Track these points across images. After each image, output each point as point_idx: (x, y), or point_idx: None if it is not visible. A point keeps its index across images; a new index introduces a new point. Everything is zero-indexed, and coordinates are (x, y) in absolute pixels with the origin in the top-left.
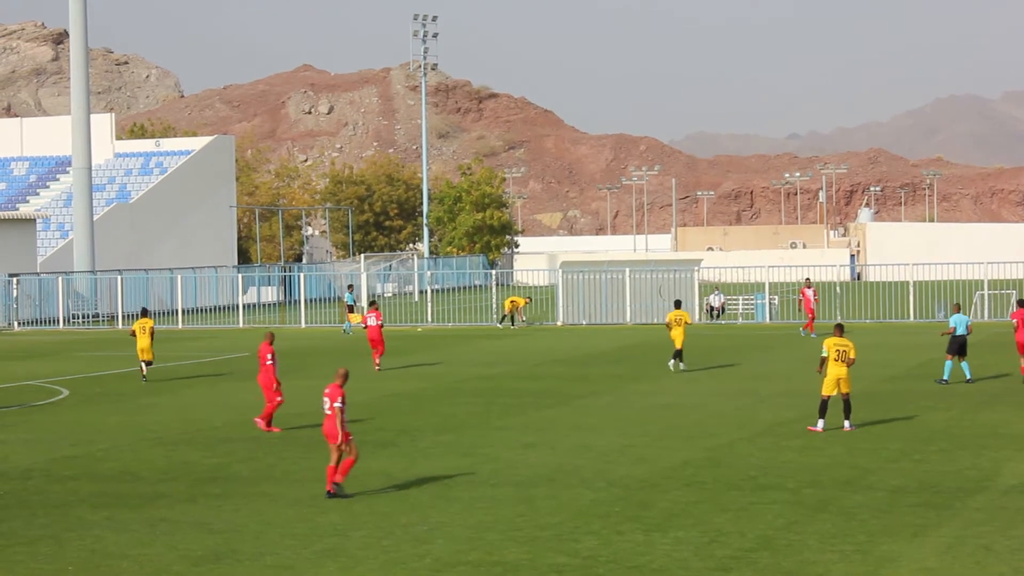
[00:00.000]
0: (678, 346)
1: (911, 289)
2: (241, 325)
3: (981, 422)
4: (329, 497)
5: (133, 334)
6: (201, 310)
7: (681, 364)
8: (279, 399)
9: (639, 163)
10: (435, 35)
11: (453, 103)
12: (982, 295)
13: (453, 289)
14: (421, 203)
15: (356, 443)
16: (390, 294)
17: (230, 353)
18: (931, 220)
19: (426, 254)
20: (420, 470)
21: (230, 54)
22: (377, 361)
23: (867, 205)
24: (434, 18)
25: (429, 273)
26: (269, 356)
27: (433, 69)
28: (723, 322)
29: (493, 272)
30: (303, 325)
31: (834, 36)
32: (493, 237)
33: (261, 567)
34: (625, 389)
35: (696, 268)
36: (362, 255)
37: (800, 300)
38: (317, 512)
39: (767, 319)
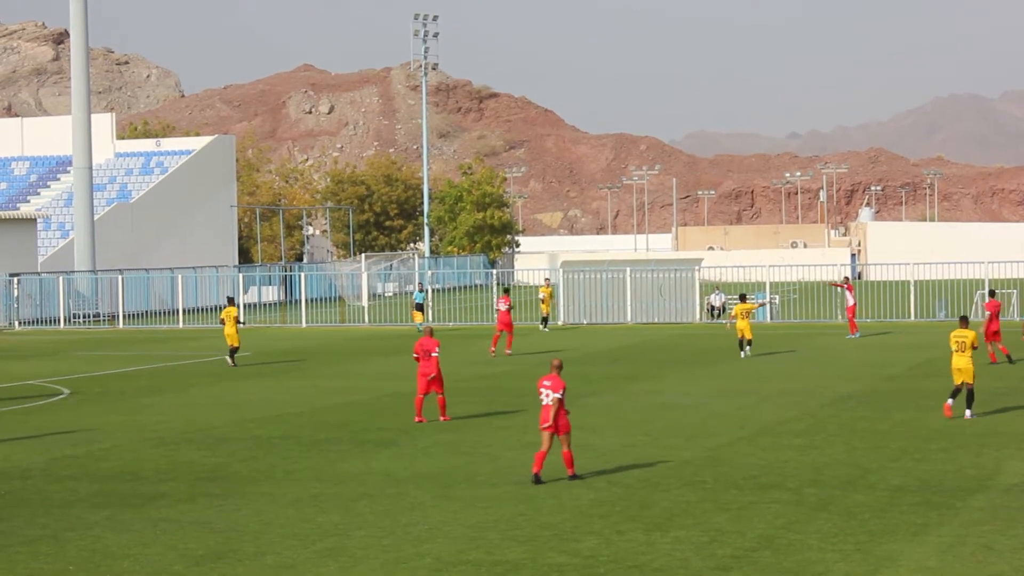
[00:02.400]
0: (747, 336)
1: (912, 289)
2: (242, 325)
3: (982, 421)
4: (535, 482)
5: (222, 322)
6: (202, 310)
7: (746, 350)
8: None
9: (639, 163)
10: (436, 35)
11: (454, 103)
12: (983, 294)
13: (454, 289)
14: (421, 203)
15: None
16: (391, 294)
17: None
18: (932, 219)
19: (427, 254)
20: (421, 469)
21: (230, 54)
22: (507, 345)
23: (868, 204)
24: (435, 18)
25: (430, 272)
26: (437, 348)
27: (434, 69)
28: (724, 321)
29: (494, 272)
30: (304, 325)
31: (835, 35)
32: (494, 237)
33: (262, 566)
34: (626, 389)
35: (697, 268)
36: (363, 255)
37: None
38: (318, 511)
39: (768, 319)
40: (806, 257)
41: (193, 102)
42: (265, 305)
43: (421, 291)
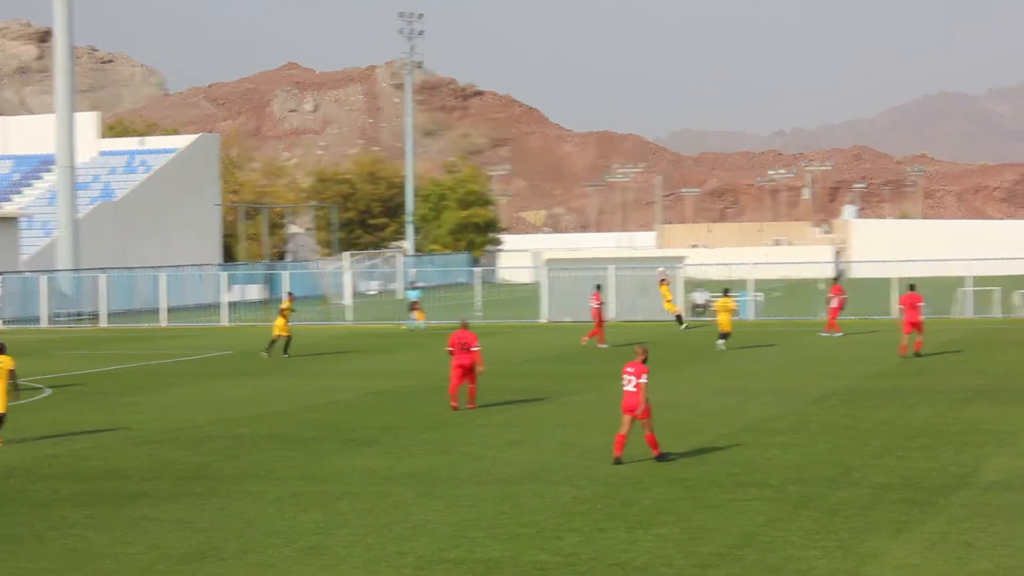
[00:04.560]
0: (724, 330)
1: (895, 286)
2: (225, 323)
3: (964, 418)
4: (616, 463)
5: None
6: (185, 308)
7: (720, 343)
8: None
9: (624, 161)
10: (420, 33)
11: (438, 101)
12: (965, 291)
13: (438, 287)
14: (405, 201)
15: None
16: (375, 292)
17: (214, 351)
18: (916, 217)
19: (410, 252)
20: (403, 468)
21: (215, 52)
22: (600, 340)
23: (852, 202)
24: (420, 16)
25: (414, 271)
26: (476, 343)
27: (418, 67)
28: (708, 319)
29: (478, 270)
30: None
31: (819, 32)
32: (477, 235)
33: (244, 565)
34: (609, 387)
35: (680, 265)
36: (346, 253)
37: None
38: (300, 510)
39: (752, 316)
40: (790, 255)
41: (177, 100)
42: (248, 304)
43: (415, 288)
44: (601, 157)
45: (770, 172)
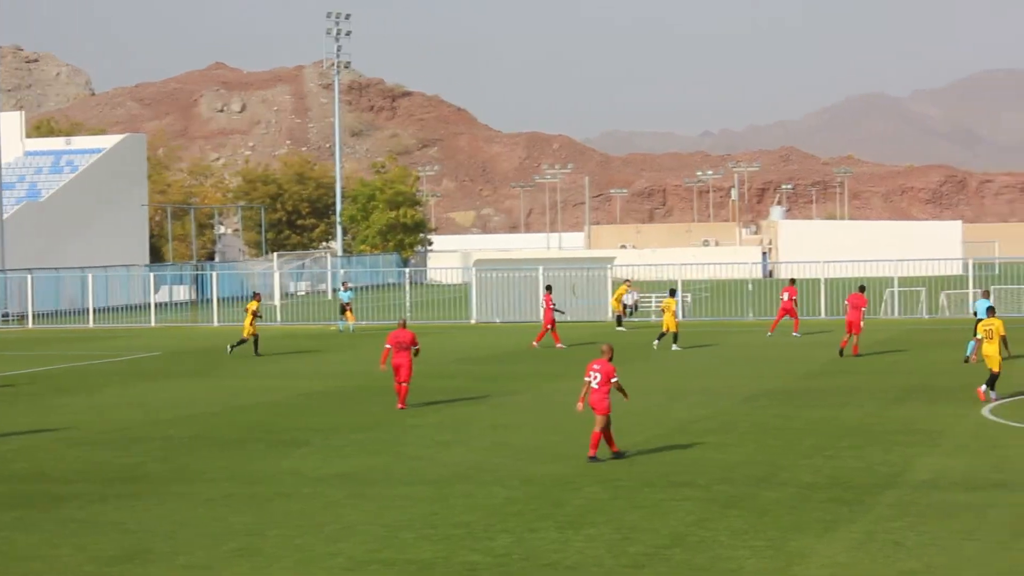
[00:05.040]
0: (665, 329)
1: (822, 286)
2: (153, 324)
3: (892, 418)
4: (591, 461)
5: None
6: (113, 309)
7: (655, 342)
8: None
9: (552, 161)
10: (348, 33)
11: (366, 101)
12: (892, 292)
13: (367, 287)
14: (334, 201)
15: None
16: (303, 293)
17: (142, 352)
18: (842, 218)
19: (339, 252)
20: (334, 469)
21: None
22: (555, 340)
23: (779, 203)
24: (347, 16)
25: (343, 271)
26: (414, 341)
27: (346, 67)
28: (637, 320)
29: (407, 271)
30: (216, 324)
31: (747, 34)
32: (406, 235)
33: (174, 567)
34: (540, 387)
35: (609, 266)
36: (275, 254)
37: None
38: (231, 511)
39: (680, 317)
40: (718, 255)
41: (103, 100)
42: (176, 304)
43: (347, 290)
44: (530, 158)
45: (698, 173)
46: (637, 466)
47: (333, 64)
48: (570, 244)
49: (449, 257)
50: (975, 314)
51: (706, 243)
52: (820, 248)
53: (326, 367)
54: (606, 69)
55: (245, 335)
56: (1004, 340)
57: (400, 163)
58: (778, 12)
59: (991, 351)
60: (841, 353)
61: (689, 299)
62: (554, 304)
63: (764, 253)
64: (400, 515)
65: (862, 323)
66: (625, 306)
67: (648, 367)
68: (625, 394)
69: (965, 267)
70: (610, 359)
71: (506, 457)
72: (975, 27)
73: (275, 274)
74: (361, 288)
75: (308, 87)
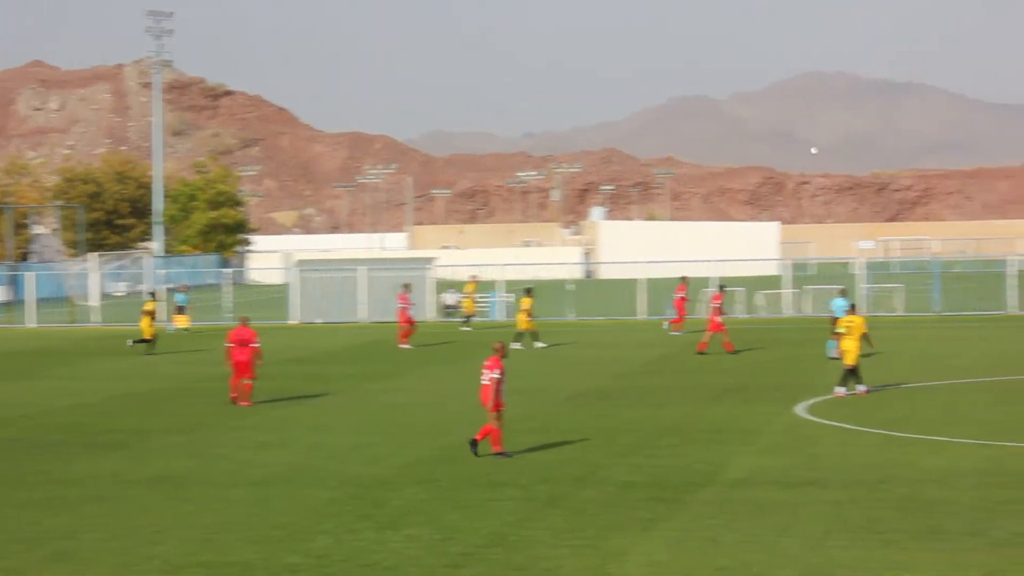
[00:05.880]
0: (523, 328)
1: (642, 287)
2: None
3: (710, 417)
4: (499, 456)
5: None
6: None
7: (517, 344)
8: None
9: (375, 161)
10: (169, 31)
11: (187, 100)
12: (710, 292)
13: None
14: (154, 201)
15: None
16: (122, 293)
17: None
18: (663, 219)
19: (159, 252)
20: (152, 471)
21: None
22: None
23: (600, 204)
24: (169, 14)
25: (163, 272)
26: (256, 339)
27: (167, 66)
28: (458, 320)
29: (227, 271)
30: (32, 325)
31: (565, 35)
32: (227, 236)
33: None
34: (360, 388)
35: (430, 266)
36: (93, 254)
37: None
38: (46, 515)
39: (501, 317)
40: (539, 256)
41: None
42: None
43: (183, 292)
44: (352, 158)
45: (520, 174)
46: (457, 465)
47: (153, 63)
48: (392, 245)
49: (270, 257)
50: (832, 313)
51: (528, 244)
52: (640, 249)
53: (144, 368)
54: (428, 69)
55: (147, 336)
56: (866, 336)
57: (221, 163)
58: (600, 14)
59: (850, 346)
60: (703, 352)
61: (512, 299)
62: (411, 304)
63: (585, 254)
64: (219, 517)
65: (718, 319)
66: (447, 306)
67: (469, 367)
68: (499, 398)
69: (782, 268)
70: (502, 357)
71: (325, 458)
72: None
73: (93, 275)
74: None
75: (128, 86)
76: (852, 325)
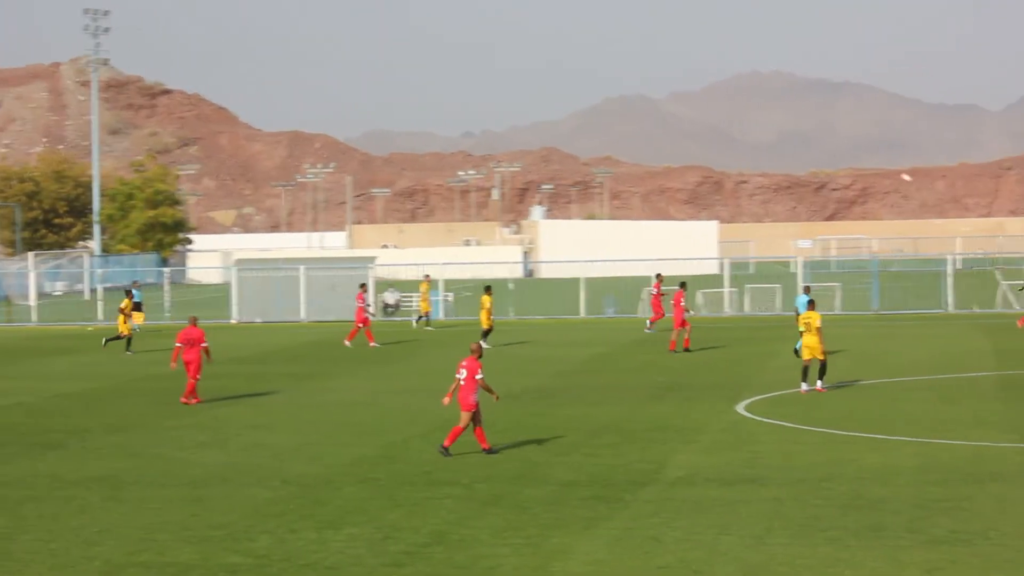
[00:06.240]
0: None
1: (582, 286)
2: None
3: (649, 415)
4: (441, 452)
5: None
6: None
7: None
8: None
9: (314, 160)
10: (107, 30)
11: (125, 99)
12: (650, 291)
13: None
14: (92, 200)
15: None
16: (60, 292)
17: None
18: (602, 218)
19: (97, 252)
20: (90, 471)
21: None
22: (368, 339)
23: (540, 203)
24: (106, 13)
25: (100, 272)
26: (204, 339)
27: (104, 64)
28: (399, 319)
29: (166, 270)
30: None
31: (506, 35)
32: (166, 235)
33: None
34: (300, 387)
35: (370, 265)
36: (31, 253)
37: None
38: None
39: (442, 316)
40: (479, 255)
41: None
42: None
43: (138, 288)
44: (291, 157)
45: (460, 173)
46: (397, 464)
47: (91, 61)
48: (332, 244)
49: (210, 257)
50: (796, 310)
51: (468, 243)
52: (580, 247)
53: (82, 368)
54: (368, 68)
55: (122, 332)
56: (819, 332)
57: (160, 162)
58: (539, 13)
59: (810, 342)
60: (675, 351)
61: (451, 298)
62: (367, 303)
63: (525, 253)
64: (158, 517)
65: (683, 316)
66: (386, 305)
67: (408, 366)
68: (492, 392)
69: (721, 266)
70: (478, 357)
71: (265, 457)
72: (732, 31)
73: (30, 274)
74: (120, 288)
75: (65, 84)
76: (810, 321)
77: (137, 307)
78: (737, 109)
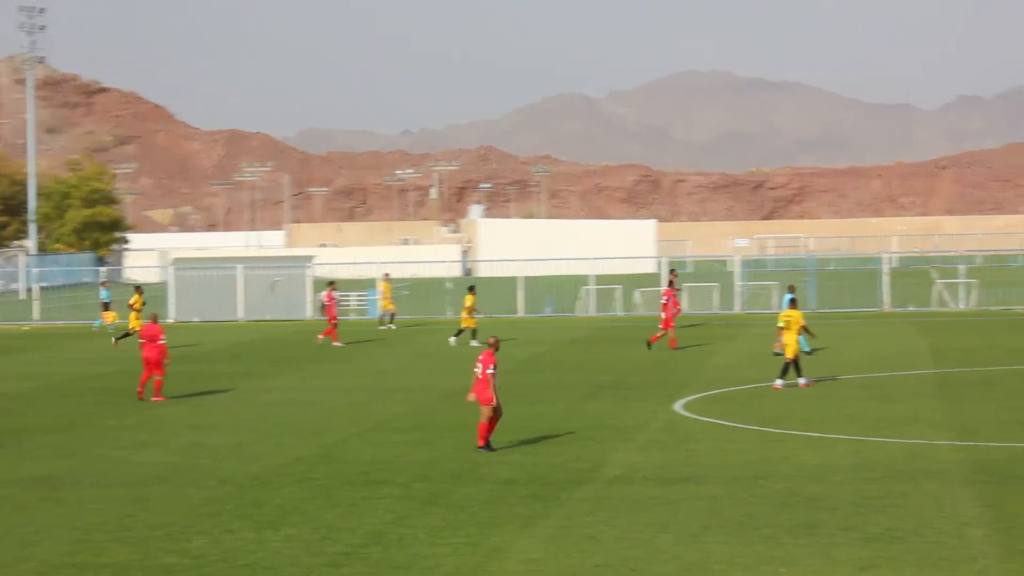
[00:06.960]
0: (466, 327)
1: (520, 285)
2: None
3: (587, 414)
4: (480, 451)
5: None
6: None
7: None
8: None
9: (252, 159)
10: (43, 27)
11: (61, 97)
12: (588, 290)
13: (62, 287)
14: (27, 199)
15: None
16: None
17: None
18: (541, 216)
19: (33, 251)
20: (27, 471)
21: None
22: (334, 338)
23: (478, 202)
24: (41, 10)
25: (36, 271)
26: (163, 335)
27: (40, 62)
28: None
29: (103, 269)
30: None
31: (442, 31)
32: (103, 234)
33: None
34: (238, 387)
35: (309, 265)
36: None
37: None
38: None
39: (377, 316)
40: (418, 254)
41: None
42: None
43: (107, 288)
44: (229, 155)
45: (398, 172)
46: (335, 464)
47: (26, 59)
48: (270, 243)
49: (147, 256)
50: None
51: (406, 242)
52: (519, 246)
53: (19, 368)
54: (304, 66)
55: (133, 328)
56: (806, 328)
57: (96, 160)
58: (476, 10)
59: (789, 340)
60: (650, 346)
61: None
62: (336, 301)
63: (463, 252)
64: (95, 518)
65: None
66: (324, 304)
67: (347, 366)
68: (487, 386)
69: (659, 265)
70: (495, 351)
71: (203, 457)
72: (670, 29)
73: None
74: (56, 287)
75: (1, 82)
76: (791, 319)
77: (106, 307)
78: (676, 108)
